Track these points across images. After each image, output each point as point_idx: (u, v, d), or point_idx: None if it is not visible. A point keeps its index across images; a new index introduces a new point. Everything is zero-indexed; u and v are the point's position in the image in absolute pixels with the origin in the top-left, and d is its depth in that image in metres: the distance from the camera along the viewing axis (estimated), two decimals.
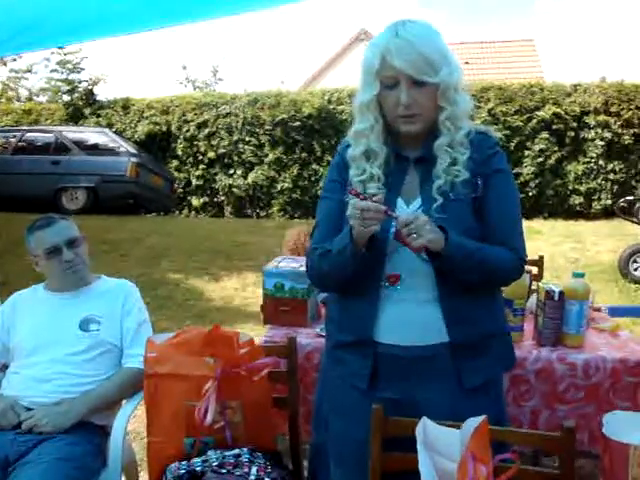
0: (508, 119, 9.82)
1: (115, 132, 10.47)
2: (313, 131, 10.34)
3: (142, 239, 7.42)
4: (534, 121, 9.90)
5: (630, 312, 3.38)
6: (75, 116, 11.61)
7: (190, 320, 4.95)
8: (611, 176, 9.97)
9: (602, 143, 9.87)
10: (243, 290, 5.66)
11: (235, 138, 10.77)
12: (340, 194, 1.51)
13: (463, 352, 1.43)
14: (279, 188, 10.62)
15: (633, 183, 10.02)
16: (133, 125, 11.22)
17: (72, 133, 9.66)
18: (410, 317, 1.42)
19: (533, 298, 2.38)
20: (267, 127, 10.58)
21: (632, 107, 9.85)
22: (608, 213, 9.84)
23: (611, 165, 9.95)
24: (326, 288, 1.67)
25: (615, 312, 3.08)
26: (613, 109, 9.87)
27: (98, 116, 11.49)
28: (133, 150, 9.50)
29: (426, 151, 1.48)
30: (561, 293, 2.11)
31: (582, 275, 2.16)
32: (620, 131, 9.84)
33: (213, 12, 2.75)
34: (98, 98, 11.92)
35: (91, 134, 9.79)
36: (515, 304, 2.14)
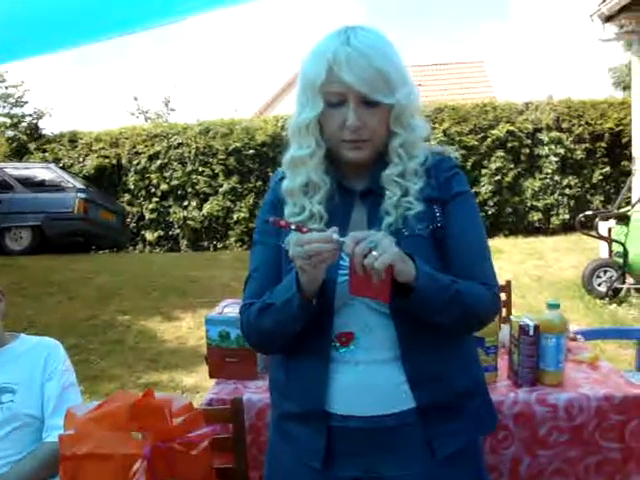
0: (463, 139, 9.83)
1: (62, 167, 10.08)
2: (268, 159, 10.13)
3: (91, 279, 7.04)
4: (489, 140, 9.93)
5: (604, 334, 3.24)
6: (20, 152, 11.16)
7: (142, 365, 4.63)
8: (567, 191, 10.05)
9: (556, 159, 9.96)
10: (198, 329, 5.34)
11: (188, 169, 10.49)
12: (276, 238, 1.26)
13: (434, 417, 1.20)
14: (235, 218, 10.34)
15: (588, 197, 10.13)
16: (81, 159, 10.83)
17: (15, 170, 9.24)
18: (368, 382, 1.18)
19: (505, 330, 2.19)
20: (220, 156, 10.33)
21: (582, 123, 10.00)
22: (566, 228, 9.91)
23: (566, 180, 10.04)
24: (266, 350, 1.42)
25: (590, 335, 2.93)
26: (564, 125, 10.01)
27: (44, 151, 11.06)
28: (80, 185, 9.14)
29: (373, 182, 1.25)
30: (536, 327, 1.92)
31: (557, 306, 1.97)
32: (572, 146, 9.97)
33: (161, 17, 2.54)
34: (43, 132, 11.51)
35: (35, 170, 9.40)
36: (487, 342, 1.94)
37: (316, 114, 1.20)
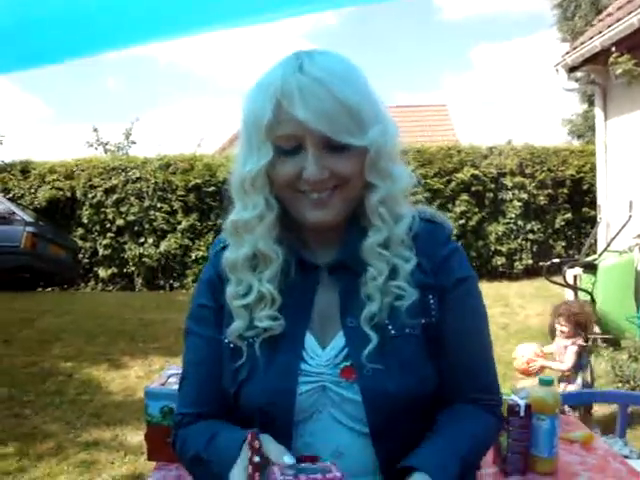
0: (428, 181, 9.76)
1: (11, 198, 9.59)
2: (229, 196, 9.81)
3: (33, 320, 6.54)
4: (453, 183, 9.90)
5: (586, 398, 3.02)
6: None
7: (82, 420, 4.20)
8: (530, 236, 10.06)
9: (519, 204, 9.99)
10: (148, 378, 4.94)
11: (146, 204, 10.10)
12: (213, 329, 0.98)
13: None
14: (193, 257, 9.97)
15: (551, 242, 10.15)
16: (33, 190, 10.31)
17: None
18: None
19: None
20: (180, 192, 9.99)
21: (544, 169, 10.09)
22: (530, 272, 9.89)
23: (529, 225, 10.06)
24: None
25: (571, 400, 2.71)
26: (527, 171, 10.08)
27: None
28: (29, 218, 8.66)
29: (346, 254, 0.96)
30: (528, 407, 1.67)
31: (551, 382, 1.73)
32: (535, 192, 10.03)
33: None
34: None
35: None
36: None
37: (264, 164, 0.91)
